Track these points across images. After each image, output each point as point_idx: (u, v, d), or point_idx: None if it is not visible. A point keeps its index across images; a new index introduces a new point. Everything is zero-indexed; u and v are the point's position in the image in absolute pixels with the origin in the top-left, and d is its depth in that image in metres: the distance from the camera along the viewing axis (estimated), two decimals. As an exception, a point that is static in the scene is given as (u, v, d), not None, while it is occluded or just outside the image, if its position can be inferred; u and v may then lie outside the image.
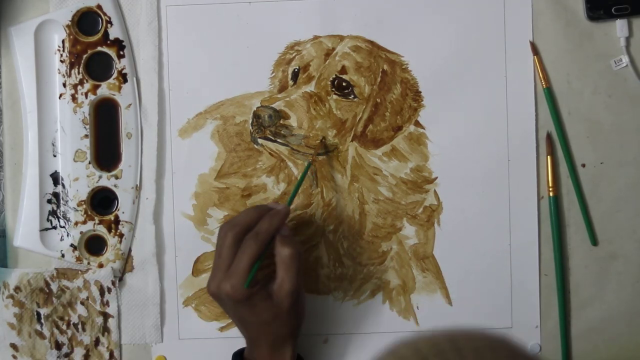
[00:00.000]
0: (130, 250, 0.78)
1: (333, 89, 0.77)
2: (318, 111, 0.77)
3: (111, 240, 0.77)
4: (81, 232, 0.77)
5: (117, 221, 0.77)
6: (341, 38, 0.78)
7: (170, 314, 0.78)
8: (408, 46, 0.77)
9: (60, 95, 0.77)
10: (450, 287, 0.78)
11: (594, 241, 0.78)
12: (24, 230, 0.77)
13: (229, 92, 0.78)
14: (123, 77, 0.77)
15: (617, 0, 0.76)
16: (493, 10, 0.77)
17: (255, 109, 0.77)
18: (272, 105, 0.76)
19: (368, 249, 0.78)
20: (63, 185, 0.77)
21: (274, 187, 0.78)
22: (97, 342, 0.77)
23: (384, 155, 0.78)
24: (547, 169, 0.78)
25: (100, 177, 0.77)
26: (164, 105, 0.78)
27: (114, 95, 0.77)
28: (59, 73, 0.77)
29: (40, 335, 0.77)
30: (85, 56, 0.77)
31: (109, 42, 0.77)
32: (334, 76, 0.77)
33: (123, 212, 0.77)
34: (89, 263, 0.77)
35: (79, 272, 0.77)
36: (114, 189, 0.77)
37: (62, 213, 0.77)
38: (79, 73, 0.77)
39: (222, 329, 0.78)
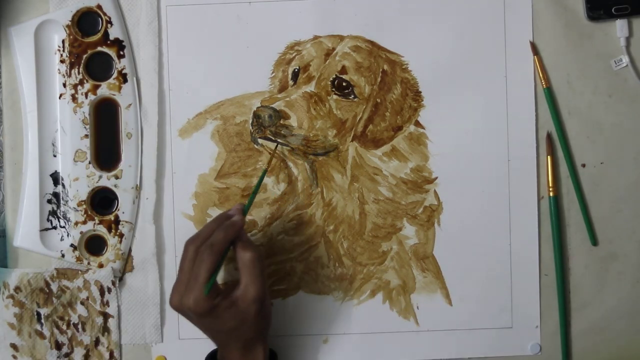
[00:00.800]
0: (130, 250, 0.78)
1: (333, 89, 0.77)
2: (318, 111, 0.77)
3: (111, 240, 0.77)
4: (81, 232, 0.77)
5: (117, 221, 0.77)
6: (341, 38, 0.78)
7: (170, 314, 0.78)
8: (408, 46, 0.77)
9: (60, 95, 0.77)
10: (450, 287, 0.78)
11: (594, 241, 0.78)
12: (24, 230, 0.77)
13: (229, 92, 0.78)
14: (123, 77, 0.77)
15: (617, 0, 0.76)
16: (493, 10, 0.77)
17: (255, 109, 0.77)
18: (272, 105, 0.76)
19: (368, 249, 0.78)
20: (63, 185, 0.77)
21: (274, 187, 0.78)
22: (97, 342, 0.77)
23: (384, 155, 0.78)
24: (547, 169, 0.78)
25: (100, 177, 0.77)
26: (164, 105, 0.78)
27: (114, 95, 0.77)
28: (59, 73, 0.77)
29: (40, 335, 0.77)
30: (85, 56, 0.77)
31: (109, 42, 0.77)
32: (334, 76, 0.77)
33: (123, 212, 0.77)
34: (89, 263, 0.77)
35: (79, 272, 0.77)
36: (114, 189, 0.77)
37: (62, 213, 0.77)
38: (79, 73, 0.77)
39: (222, 329, 0.78)
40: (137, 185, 0.77)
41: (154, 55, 0.77)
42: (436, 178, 0.78)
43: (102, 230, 0.77)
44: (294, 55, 0.78)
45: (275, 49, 0.78)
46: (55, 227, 0.77)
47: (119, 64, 0.77)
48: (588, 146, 0.78)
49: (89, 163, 0.77)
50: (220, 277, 0.77)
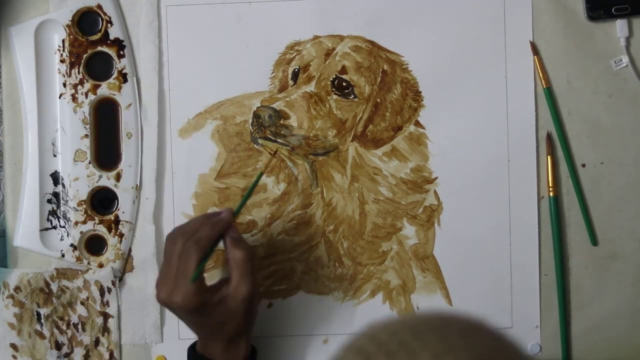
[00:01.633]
0: (130, 250, 0.78)
1: (333, 89, 0.77)
2: (318, 111, 0.77)
3: (111, 240, 0.77)
4: (81, 232, 0.77)
5: (117, 221, 0.77)
6: (341, 38, 0.78)
7: (170, 314, 0.78)
8: (408, 46, 0.77)
9: (60, 95, 0.77)
10: (450, 287, 0.78)
11: (594, 241, 0.78)
12: (24, 230, 0.77)
13: (229, 92, 0.78)
14: (123, 77, 0.77)
15: (617, 0, 0.76)
16: (493, 10, 0.77)
17: (255, 109, 0.77)
18: (272, 105, 0.76)
19: (368, 249, 0.78)
20: (63, 185, 0.77)
21: (274, 187, 0.78)
22: (97, 342, 0.77)
23: (384, 155, 0.78)
24: (547, 169, 0.78)
25: (100, 177, 0.77)
26: (164, 105, 0.78)
27: (114, 95, 0.77)
28: (59, 73, 0.77)
29: (40, 335, 0.77)
30: (85, 56, 0.77)
31: (109, 42, 0.77)
32: (334, 76, 0.77)
33: (123, 212, 0.77)
34: (89, 263, 0.77)
35: (79, 272, 0.77)
36: (114, 189, 0.77)
37: (62, 213, 0.77)
38: (79, 73, 0.77)
39: (222, 329, 0.78)
40: (137, 185, 0.77)
41: (154, 55, 0.77)
42: (436, 178, 0.78)
43: (102, 230, 0.77)
44: (294, 55, 0.78)
45: (275, 49, 0.78)
46: (55, 227, 0.77)
47: (119, 64, 0.77)
48: (588, 146, 0.78)
49: (89, 163, 0.77)
50: (217, 276, 0.77)
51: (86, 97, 0.77)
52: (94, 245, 0.77)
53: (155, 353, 0.78)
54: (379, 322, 0.44)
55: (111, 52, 0.77)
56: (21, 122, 0.77)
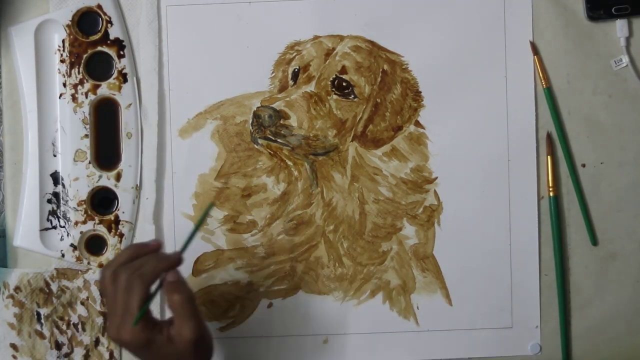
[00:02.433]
0: (130, 250, 0.78)
1: (333, 89, 0.77)
2: (318, 111, 0.77)
3: (111, 240, 0.77)
4: (81, 232, 0.77)
5: (117, 221, 0.77)
6: (341, 38, 0.78)
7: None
8: (408, 46, 0.77)
9: (60, 95, 0.77)
10: (450, 287, 0.78)
11: (594, 241, 0.78)
12: (24, 230, 0.77)
13: (229, 92, 0.78)
14: (123, 77, 0.77)
15: (617, 0, 0.76)
16: (493, 10, 0.77)
17: (255, 109, 0.77)
18: (272, 105, 0.76)
19: (368, 249, 0.78)
20: (63, 185, 0.77)
21: (274, 187, 0.78)
22: (97, 342, 0.77)
23: (384, 155, 0.78)
24: (547, 169, 0.78)
25: (100, 177, 0.77)
26: (164, 105, 0.78)
27: (114, 95, 0.77)
28: (59, 73, 0.77)
29: (40, 335, 0.77)
30: (85, 56, 0.77)
31: (109, 42, 0.77)
32: (334, 76, 0.77)
33: (123, 212, 0.77)
34: (89, 263, 0.77)
35: (79, 272, 0.77)
36: (114, 189, 0.77)
37: (62, 213, 0.77)
38: (79, 73, 0.77)
39: (222, 329, 0.78)
40: (137, 185, 0.77)
41: (154, 55, 0.77)
42: (436, 178, 0.78)
43: (102, 230, 0.77)
44: (294, 55, 0.78)
45: (275, 49, 0.78)
46: (55, 227, 0.77)
47: (119, 64, 0.77)
48: (588, 146, 0.78)
49: (89, 163, 0.77)
50: (216, 276, 0.77)
51: (86, 97, 0.77)
52: (94, 245, 0.77)
53: (155, 353, 0.78)
54: None
55: (111, 52, 0.77)
56: (21, 122, 0.77)
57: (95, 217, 0.77)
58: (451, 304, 0.78)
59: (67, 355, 0.77)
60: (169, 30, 0.78)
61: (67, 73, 0.77)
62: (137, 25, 0.77)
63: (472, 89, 0.77)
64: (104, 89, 0.77)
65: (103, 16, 0.77)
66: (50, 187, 0.77)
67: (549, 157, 0.77)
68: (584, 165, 0.78)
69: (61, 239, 0.77)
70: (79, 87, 0.77)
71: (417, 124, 0.78)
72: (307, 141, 0.77)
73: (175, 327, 0.64)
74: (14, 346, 0.77)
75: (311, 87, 0.77)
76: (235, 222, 0.78)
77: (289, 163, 0.78)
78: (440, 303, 0.78)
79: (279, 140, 0.77)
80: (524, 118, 0.77)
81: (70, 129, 0.77)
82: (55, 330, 0.77)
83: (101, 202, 0.77)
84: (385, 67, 0.77)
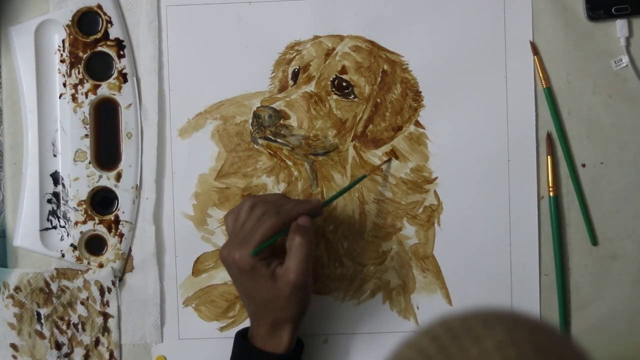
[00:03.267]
0: (130, 250, 0.78)
1: (333, 89, 0.77)
2: (318, 111, 0.77)
3: (111, 240, 0.77)
4: (81, 232, 0.77)
5: (117, 221, 0.77)
6: (341, 38, 0.78)
7: (170, 314, 0.78)
8: (408, 46, 0.77)
9: (60, 95, 0.77)
10: (450, 287, 0.78)
11: (594, 241, 0.78)
12: (24, 230, 0.77)
13: (229, 92, 0.78)
14: (123, 77, 0.77)
15: (617, 0, 0.76)
16: (493, 10, 0.77)
17: (255, 109, 0.77)
18: (272, 105, 0.76)
19: (368, 249, 0.78)
20: (63, 185, 0.77)
21: (274, 187, 0.78)
22: (97, 342, 0.77)
23: (384, 155, 0.78)
24: (547, 169, 0.78)
25: (100, 177, 0.77)
26: (164, 105, 0.78)
27: (114, 95, 0.77)
28: (59, 73, 0.77)
29: (40, 335, 0.77)
30: (85, 56, 0.77)
31: (109, 42, 0.77)
32: (334, 76, 0.77)
33: (123, 212, 0.77)
34: (89, 263, 0.77)
35: (79, 272, 0.77)
36: (114, 189, 0.77)
37: (62, 213, 0.77)
38: (79, 73, 0.77)
39: (222, 329, 0.78)
40: (137, 185, 0.77)
41: (154, 55, 0.77)
42: (436, 178, 0.78)
43: (102, 230, 0.77)
44: (294, 55, 0.78)
45: (275, 49, 0.78)
46: (55, 227, 0.77)
47: (119, 64, 0.77)
48: (588, 146, 0.78)
49: (89, 163, 0.77)
50: (215, 276, 0.77)
51: (86, 97, 0.77)
52: (94, 245, 0.77)
53: (155, 353, 0.78)
54: (455, 311, 0.47)
55: (111, 52, 0.77)
56: (21, 122, 0.77)
57: (95, 217, 0.77)
58: (451, 304, 0.78)
59: (67, 355, 0.77)
60: (169, 30, 0.78)
61: (67, 73, 0.77)
62: (137, 25, 0.77)
63: (472, 89, 0.77)
64: (104, 89, 0.77)
65: (103, 16, 0.77)
66: (50, 187, 0.77)
67: (549, 157, 0.77)
68: (584, 165, 0.78)
69: (61, 239, 0.77)
70: (79, 87, 0.77)
71: (417, 124, 0.78)
72: (307, 141, 0.77)
73: (285, 266, 0.66)
74: (14, 346, 0.77)
75: (311, 87, 0.77)
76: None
77: (289, 163, 0.78)
78: (440, 303, 0.78)
79: (279, 140, 0.77)
80: (524, 118, 0.77)
81: (70, 129, 0.77)
82: (55, 330, 0.77)
83: (101, 202, 0.77)
84: (385, 67, 0.77)
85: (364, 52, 0.77)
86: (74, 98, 0.77)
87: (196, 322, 0.78)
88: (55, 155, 0.77)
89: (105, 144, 0.77)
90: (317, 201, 0.70)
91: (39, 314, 0.77)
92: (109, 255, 0.77)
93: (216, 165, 0.78)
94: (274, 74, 0.78)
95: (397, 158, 0.78)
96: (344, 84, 0.77)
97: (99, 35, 0.77)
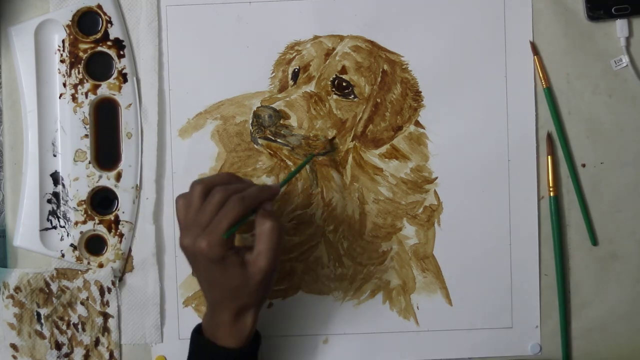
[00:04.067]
0: (130, 250, 0.78)
1: (333, 89, 0.77)
2: (318, 111, 0.77)
3: (111, 240, 0.77)
4: (81, 232, 0.77)
5: (117, 221, 0.77)
6: (341, 38, 0.78)
7: (170, 314, 0.78)
8: (408, 46, 0.77)
9: (60, 95, 0.77)
10: (450, 287, 0.78)
11: (594, 241, 0.78)
12: (24, 230, 0.77)
13: (229, 92, 0.78)
14: (123, 77, 0.77)
15: (617, 0, 0.77)
16: (493, 10, 0.77)
17: (255, 109, 0.77)
18: (272, 105, 0.76)
19: (368, 249, 0.78)
20: (63, 185, 0.77)
21: (274, 187, 0.78)
22: (97, 342, 0.77)
23: (384, 155, 0.78)
24: (547, 169, 0.78)
25: (100, 177, 0.77)
26: (164, 105, 0.78)
27: (114, 95, 0.77)
28: (59, 73, 0.77)
29: (40, 335, 0.77)
30: (85, 56, 0.77)
31: (109, 42, 0.77)
32: (334, 76, 0.77)
33: (123, 212, 0.77)
34: (89, 263, 0.77)
35: (79, 272, 0.77)
36: (114, 189, 0.77)
37: (62, 213, 0.77)
38: (79, 73, 0.77)
39: (222, 329, 0.78)
40: (137, 185, 0.77)
41: (154, 55, 0.77)
42: (436, 178, 0.78)
43: (102, 230, 0.77)
44: (294, 55, 0.78)
45: (275, 49, 0.78)
46: (55, 227, 0.77)
47: (119, 64, 0.77)
48: (588, 146, 0.78)
49: (89, 163, 0.77)
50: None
51: (86, 97, 0.77)
52: (94, 245, 0.77)
53: (155, 353, 0.78)
54: None
55: (111, 52, 0.77)
56: (21, 122, 0.77)
57: (95, 217, 0.77)
58: (451, 304, 0.78)
59: (67, 355, 0.77)
60: (169, 30, 0.78)
61: (67, 73, 0.77)
62: (137, 25, 0.77)
63: (472, 89, 0.77)
64: (104, 89, 0.77)
65: (103, 16, 0.77)
66: (50, 187, 0.77)
67: (549, 157, 0.77)
68: (584, 166, 0.78)
69: (61, 239, 0.77)
70: (79, 87, 0.77)
71: (417, 124, 0.78)
72: (307, 141, 0.77)
73: (254, 253, 0.65)
74: (14, 346, 0.77)
75: (311, 87, 0.77)
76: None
77: (289, 163, 0.78)
78: (440, 303, 0.78)
79: (279, 140, 0.77)
80: (524, 118, 0.77)
81: (70, 129, 0.77)
82: (55, 330, 0.77)
83: (101, 202, 0.77)
84: (385, 67, 0.77)
85: (364, 52, 0.77)
86: (74, 98, 0.77)
87: (196, 322, 0.78)
88: (55, 155, 0.77)
89: (105, 144, 0.77)
90: (276, 186, 0.68)
91: (39, 314, 0.77)
92: (108, 255, 0.77)
93: (216, 165, 0.78)
94: (274, 74, 0.78)
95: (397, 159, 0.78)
96: (344, 84, 0.77)
97: (99, 35, 0.77)
